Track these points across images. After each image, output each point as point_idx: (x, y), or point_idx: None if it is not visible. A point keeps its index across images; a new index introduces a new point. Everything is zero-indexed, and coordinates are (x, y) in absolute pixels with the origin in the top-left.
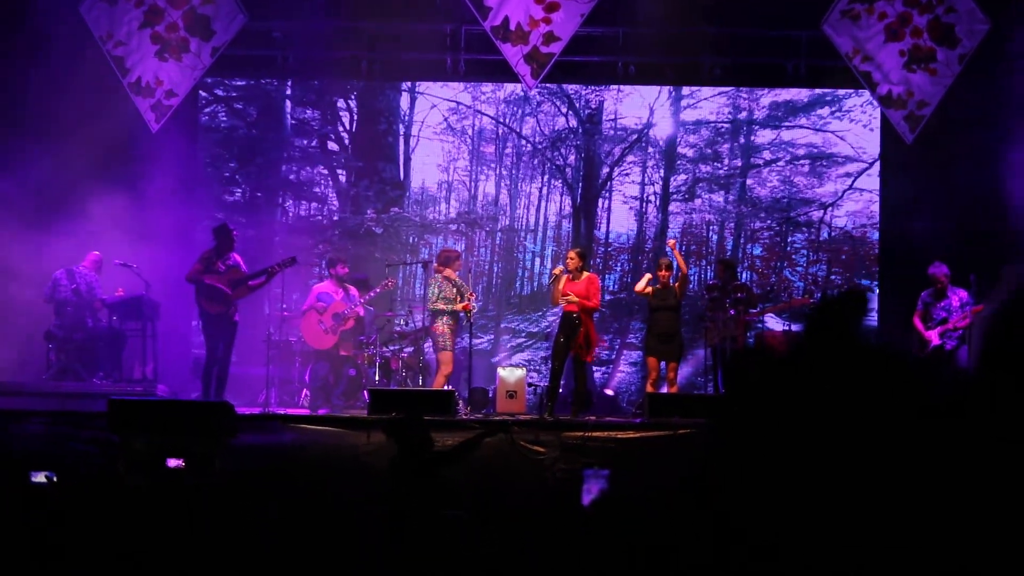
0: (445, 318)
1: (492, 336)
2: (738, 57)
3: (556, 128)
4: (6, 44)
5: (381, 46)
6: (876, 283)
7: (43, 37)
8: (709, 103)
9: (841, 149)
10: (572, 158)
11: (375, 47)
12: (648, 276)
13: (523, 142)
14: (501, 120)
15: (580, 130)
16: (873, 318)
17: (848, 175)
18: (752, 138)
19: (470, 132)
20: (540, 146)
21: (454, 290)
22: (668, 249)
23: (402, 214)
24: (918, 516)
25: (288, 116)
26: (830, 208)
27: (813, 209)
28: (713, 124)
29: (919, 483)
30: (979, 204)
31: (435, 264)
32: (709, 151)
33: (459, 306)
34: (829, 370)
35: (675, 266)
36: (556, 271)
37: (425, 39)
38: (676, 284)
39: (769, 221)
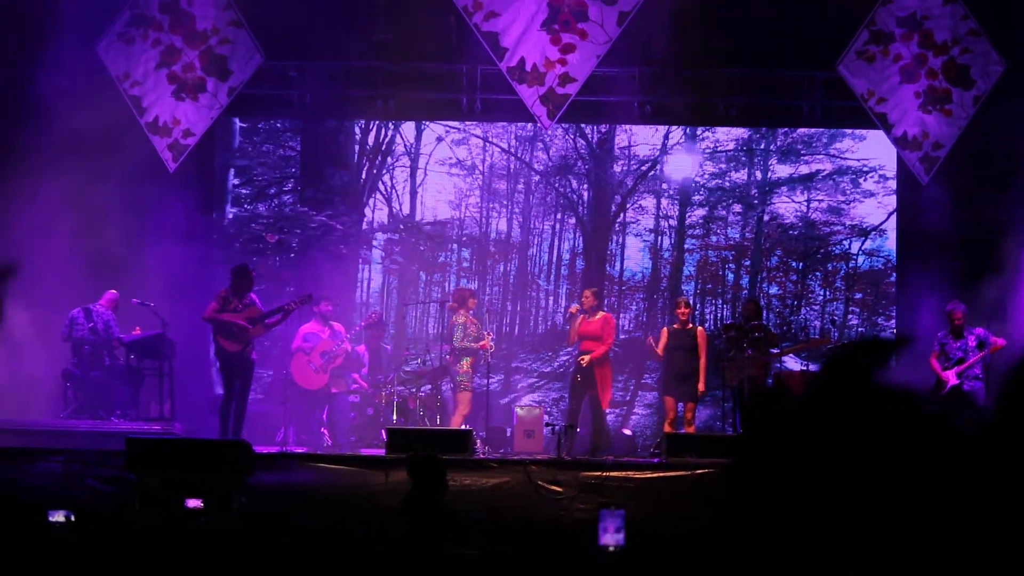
0: (469, 358)
1: (502, 376)
2: (753, 97)
3: (564, 154)
4: (19, 77)
5: (397, 85)
6: (894, 321)
7: (58, 75)
8: (724, 140)
9: (863, 184)
10: (581, 187)
11: (391, 86)
12: (664, 332)
13: (534, 175)
14: (512, 152)
15: (589, 156)
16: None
17: (868, 213)
18: (769, 175)
19: (480, 167)
20: (548, 172)
21: (477, 328)
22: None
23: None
24: (941, 553)
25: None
26: (846, 243)
27: (831, 247)
28: (728, 155)
29: (941, 521)
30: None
31: (451, 303)
32: (726, 186)
33: (480, 344)
34: (847, 412)
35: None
36: (573, 309)
37: (441, 79)
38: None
39: (786, 259)
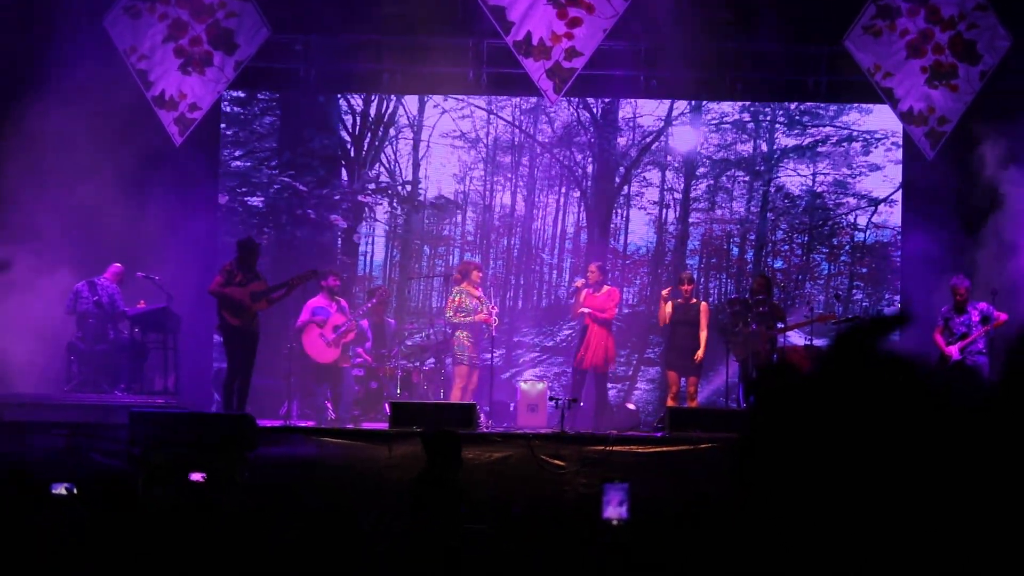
0: (465, 331)
1: (503, 351)
2: (758, 72)
3: (568, 126)
4: (25, 50)
5: (403, 59)
6: (899, 297)
7: (69, 52)
8: (730, 111)
9: (868, 158)
10: (586, 159)
11: (397, 60)
12: (669, 305)
13: (538, 148)
14: (516, 124)
15: (593, 128)
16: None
17: (873, 187)
18: (775, 146)
19: (484, 140)
20: (551, 144)
21: (475, 302)
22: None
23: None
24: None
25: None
26: (852, 216)
27: (836, 220)
28: (733, 126)
29: (944, 496)
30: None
31: (455, 275)
32: (731, 158)
33: (479, 317)
34: (852, 388)
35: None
36: (578, 284)
37: (447, 52)
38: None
39: (791, 233)
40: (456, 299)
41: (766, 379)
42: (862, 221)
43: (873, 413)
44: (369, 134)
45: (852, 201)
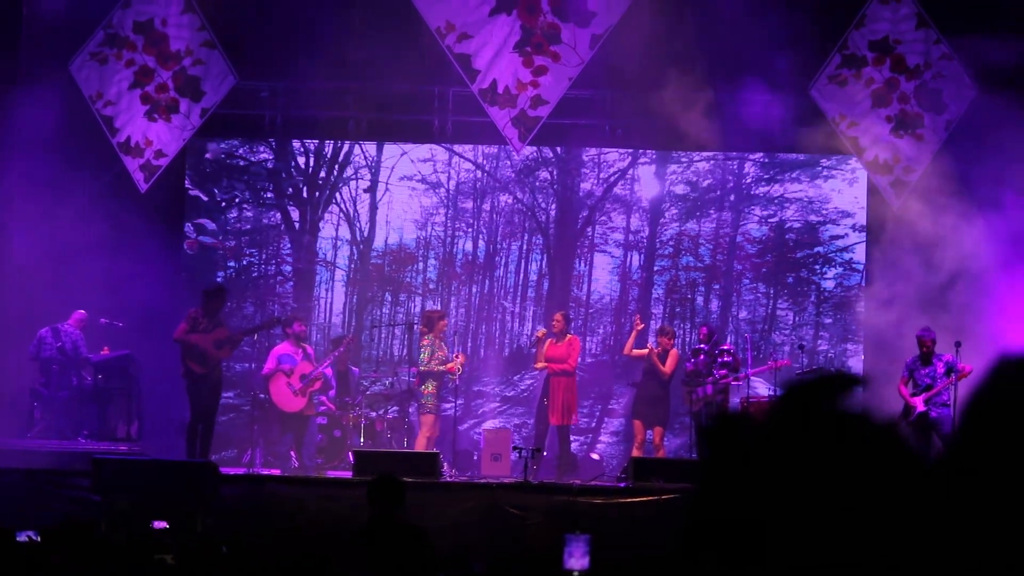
0: (433, 380)
1: (462, 401)
2: (726, 121)
3: (529, 158)
4: None
5: (369, 106)
6: (861, 347)
7: (31, 93)
8: (697, 156)
9: (834, 206)
10: (549, 204)
11: (363, 107)
12: (636, 330)
13: (500, 196)
14: (478, 165)
15: (555, 164)
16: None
17: (839, 236)
18: (743, 190)
19: (446, 185)
20: (513, 183)
21: (446, 351)
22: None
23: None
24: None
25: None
26: (820, 269)
27: (802, 272)
28: (701, 172)
29: (901, 545)
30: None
31: (419, 326)
32: (698, 203)
33: (449, 366)
34: (806, 439)
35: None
36: (539, 333)
37: (413, 100)
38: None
39: (757, 283)
40: (430, 348)
41: (718, 428)
42: (829, 272)
43: (818, 468)
44: (324, 173)
45: (820, 250)
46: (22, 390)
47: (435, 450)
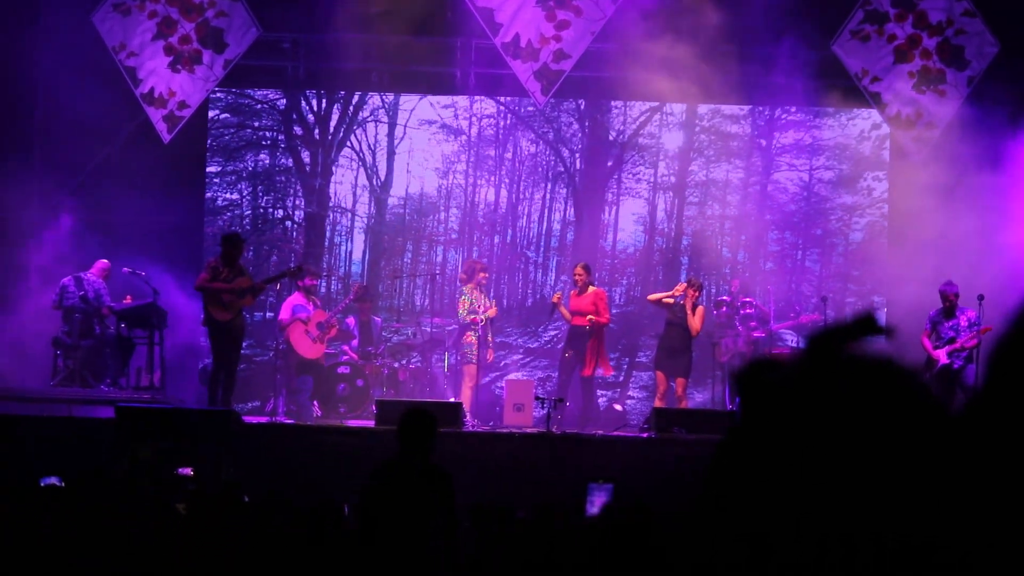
0: (474, 330)
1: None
2: (749, 75)
3: (557, 114)
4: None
5: (391, 58)
6: (885, 300)
7: (53, 45)
8: (725, 108)
9: (860, 158)
10: (575, 152)
11: (385, 60)
12: (679, 290)
13: (523, 140)
14: (502, 103)
15: (582, 117)
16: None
17: (868, 188)
18: (774, 142)
19: (468, 132)
20: (538, 125)
21: (484, 300)
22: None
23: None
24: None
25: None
26: (848, 219)
27: (831, 222)
28: (730, 119)
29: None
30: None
31: (461, 275)
32: (725, 152)
33: (490, 313)
34: (832, 384)
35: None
36: (554, 298)
37: (435, 52)
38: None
39: (786, 233)
40: (466, 299)
41: (748, 372)
42: (858, 222)
43: (844, 417)
44: (337, 113)
45: (848, 201)
46: (45, 339)
47: (457, 399)
